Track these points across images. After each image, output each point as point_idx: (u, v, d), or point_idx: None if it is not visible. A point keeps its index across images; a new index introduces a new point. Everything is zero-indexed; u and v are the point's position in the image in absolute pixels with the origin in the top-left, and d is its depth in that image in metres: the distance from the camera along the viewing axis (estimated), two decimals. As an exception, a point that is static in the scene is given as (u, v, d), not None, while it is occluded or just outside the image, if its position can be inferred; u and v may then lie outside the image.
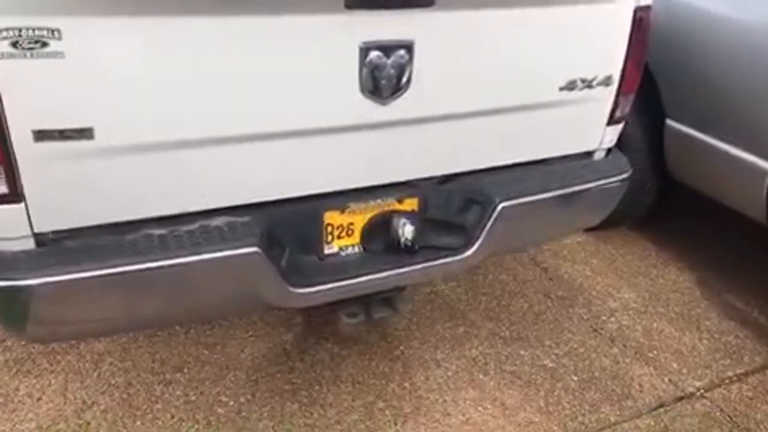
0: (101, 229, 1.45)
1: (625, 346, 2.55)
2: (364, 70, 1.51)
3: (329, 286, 1.68)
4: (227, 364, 2.29)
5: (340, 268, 1.74)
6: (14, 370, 2.19)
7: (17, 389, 2.12)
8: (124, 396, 2.12)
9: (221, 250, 1.48)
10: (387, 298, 1.93)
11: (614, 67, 1.90)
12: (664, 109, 2.79)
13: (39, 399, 2.09)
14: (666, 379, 2.39)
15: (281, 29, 1.41)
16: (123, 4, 1.24)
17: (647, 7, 1.89)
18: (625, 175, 2.09)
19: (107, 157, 1.36)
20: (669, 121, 2.78)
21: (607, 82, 1.90)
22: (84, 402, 2.09)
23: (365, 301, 1.90)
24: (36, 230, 1.38)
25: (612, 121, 2.02)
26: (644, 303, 2.83)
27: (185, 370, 2.25)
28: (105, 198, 1.42)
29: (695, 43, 2.61)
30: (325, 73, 1.50)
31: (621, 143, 2.59)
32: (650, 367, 2.44)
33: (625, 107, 2.04)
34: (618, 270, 3.07)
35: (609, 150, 2.13)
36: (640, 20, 1.88)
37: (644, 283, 2.98)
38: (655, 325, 2.69)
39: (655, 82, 2.78)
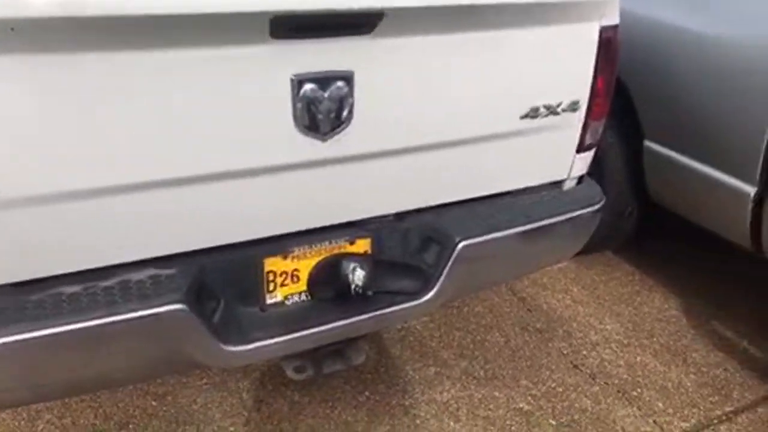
0: (3, 288, 1.29)
1: (607, 383, 2.40)
2: (299, 105, 1.36)
3: (270, 341, 1.51)
4: (177, 417, 2.12)
5: (285, 319, 1.57)
6: (-59, 431, 2.02)
7: (-58, 454, 1.95)
8: (60, 459, 1.95)
9: (139, 309, 1.32)
10: (339, 349, 1.77)
11: (581, 91, 1.76)
12: (642, 129, 2.66)
13: (-35, 465, 1.92)
14: (651, 421, 2.23)
15: (202, 63, 1.26)
16: (7, 40, 1.08)
17: (614, 27, 1.75)
18: (597, 205, 1.94)
19: (4, 211, 1.20)
20: (647, 142, 2.66)
21: (573, 107, 1.76)
22: (14, 467, 1.91)
23: (314, 355, 1.74)
24: (-77, 294, 1.22)
25: (582, 148, 1.87)
26: (627, 334, 2.68)
27: (130, 426, 2.08)
28: (4, 255, 1.26)
29: (672, 62, 2.49)
30: (255, 109, 1.35)
31: (598, 166, 2.46)
32: (633, 407, 2.28)
33: (596, 133, 1.90)
34: (600, 298, 2.92)
35: (581, 178, 1.99)
36: (607, 41, 1.74)
37: (627, 312, 2.83)
38: (638, 359, 2.54)
39: (632, 101, 2.66)
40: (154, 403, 2.17)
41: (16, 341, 1.23)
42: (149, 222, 1.36)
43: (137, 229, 1.36)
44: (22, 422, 2.06)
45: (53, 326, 1.26)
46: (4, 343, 1.23)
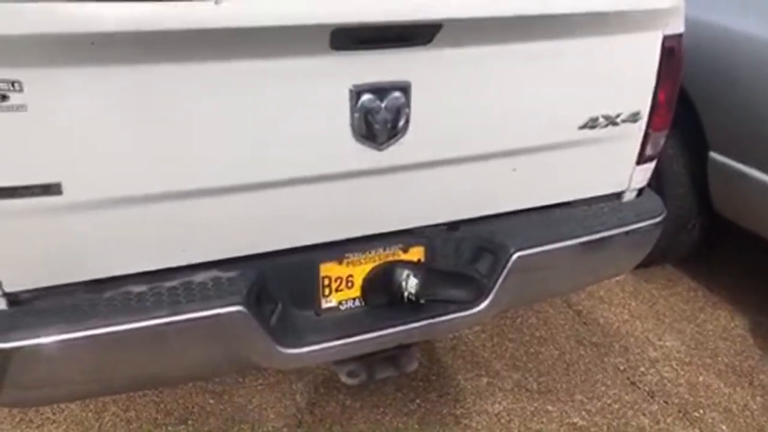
0: (77, 287, 1.37)
1: (666, 402, 2.32)
2: (356, 115, 1.39)
3: (325, 345, 1.54)
4: (233, 416, 2.18)
5: (339, 324, 1.61)
6: (17, 418, 2.14)
7: (17, 440, 2.07)
8: (123, 451, 2.04)
9: (201, 309, 1.37)
10: (391, 356, 1.78)
11: (641, 102, 1.73)
12: (707, 141, 2.57)
13: (38, 451, 2.03)
14: (713, 443, 2.15)
15: (266, 74, 1.31)
16: (88, 53, 1.16)
17: (678, 36, 1.71)
18: (658, 219, 1.89)
19: (78, 213, 1.28)
20: (712, 154, 2.56)
21: (634, 118, 1.73)
22: (82, 456, 2.02)
23: (367, 360, 1.76)
24: (6, 290, 1.31)
25: (642, 160, 1.83)
26: (689, 352, 2.59)
27: (189, 422, 2.15)
28: (78, 255, 1.34)
29: (739, 71, 2.40)
30: (314, 119, 1.39)
31: (660, 177, 2.40)
32: (695, 428, 2.20)
33: (657, 144, 1.86)
34: (660, 314, 2.83)
35: (641, 190, 1.94)
36: (670, 50, 1.70)
37: (689, 330, 2.73)
38: (701, 378, 2.45)
39: (697, 112, 2.57)
40: (212, 401, 2.24)
41: (89, 336, 1.31)
42: (213, 226, 1.42)
43: (202, 232, 1.42)
44: (89, 414, 2.16)
45: (122, 323, 1.33)
46: (79, 338, 1.30)
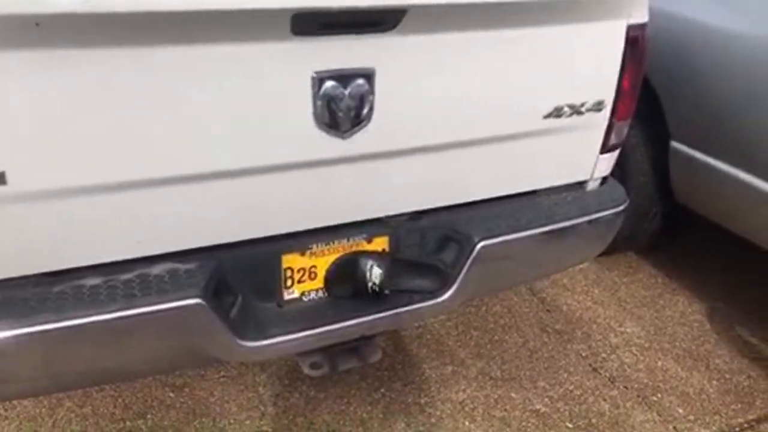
0: (25, 280, 1.30)
1: (626, 387, 2.36)
2: (319, 102, 1.35)
3: (287, 337, 1.51)
4: (194, 409, 2.14)
5: (301, 316, 1.58)
6: (-34, 416, 2.06)
7: (-34, 438, 1.99)
8: (79, 447, 1.98)
9: (157, 303, 1.33)
10: (354, 347, 1.76)
11: (606, 91, 1.73)
12: (669, 130, 2.61)
13: (-12, 449, 1.95)
14: (671, 427, 2.19)
15: (222, 59, 1.26)
16: (33, 35, 1.09)
17: (642, 26, 1.72)
18: (621, 207, 1.91)
19: (24, 203, 1.22)
20: (674, 143, 2.60)
21: (598, 107, 1.73)
22: (35, 454, 1.95)
23: (330, 352, 1.74)
24: (-51, 284, 1.24)
25: (606, 149, 1.84)
26: (649, 338, 2.64)
27: (148, 416, 2.10)
28: (26, 247, 1.27)
29: (701, 60, 2.44)
30: (275, 106, 1.34)
31: (623, 167, 2.42)
32: (653, 412, 2.25)
33: (621, 133, 1.87)
34: (621, 300, 2.88)
35: (604, 179, 1.95)
36: (635, 40, 1.71)
37: (649, 316, 2.78)
38: (660, 363, 2.50)
39: (659, 101, 2.60)
40: (171, 394, 2.19)
41: (39, 331, 1.25)
42: (169, 217, 1.37)
43: (157, 223, 1.37)
44: (43, 410, 2.09)
45: (74, 318, 1.27)
46: (27, 333, 1.25)
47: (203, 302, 1.36)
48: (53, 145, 1.19)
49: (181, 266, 1.41)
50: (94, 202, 1.28)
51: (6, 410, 2.08)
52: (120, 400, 2.15)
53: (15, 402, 2.10)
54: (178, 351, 1.48)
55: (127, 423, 2.06)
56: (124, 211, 1.32)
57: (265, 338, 1.49)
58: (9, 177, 1.17)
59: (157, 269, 1.40)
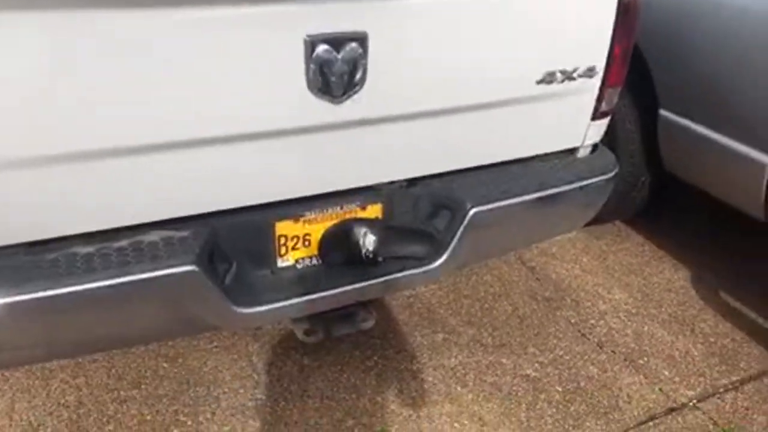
0: (17, 248, 1.30)
1: (614, 352, 2.41)
2: (312, 66, 1.34)
3: (281, 304, 1.52)
4: (188, 379, 2.15)
5: (295, 282, 1.58)
6: (-42, 388, 2.05)
7: (-41, 410, 1.98)
8: (74, 417, 1.97)
9: (151, 270, 1.33)
10: (348, 314, 1.78)
11: (598, 57, 1.73)
12: (658, 98, 2.61)
13: (-18, 421, 1.95)
14: (657, 389, 2.24)
15: (213, 22, 1.24)
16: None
17: (634, -9, 1.71)
18: (611, 174, 1.92)
19: (12, 170, 1.20)
20: (662, 111, 2.61)
21: (590, 73, 1.73)
22: (30, 424, 1.94)
23: (324, 318, 1.75)
24: (-61, 252, 1.23)
25: (597, 115, 1.85)
26: (636, 304, 2.68)
27: (142, 386, 2.11)
28: (17, 214, 1.26)
29: (690, 28, 2.43)
30: (268, 71, 1.33)
31: (613, 135, 2.43)
32: (640, 375, 2.30)
33: (612, 100, 1.87)
34: (609, 268, 2.91)
35: (595, 146, 1.96)
36: (627, 5, 1.70)
37: (637, 283, 2.82)
38: (646, 328, 2.54)
39: (648, 69, 2.60)
40: (165, 364, 2.20)
41: (31, 299, 1.25)
42: (161, 184, 1.36)
43: (150, 190, 1.36)
44: (36, 381, 2.09)
45: (67, 285, 1.27)
46: (20, 302, 1.24)
47: (198, 269, 1.36)
48: (42, 111, 1.17)
49: (175, 234, 1.41)
50: (85, 169, 1.27)
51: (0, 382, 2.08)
52: (113, 370, 2.15)
53: (8, 374, 2.10)
54: (172, 318, 1.49)
55: (122, 393, 2.07)
56: (116, 178, 1.31)
57: (260, 304, 1.50)
58: (-2, 143, 1.16)
59: (151, 237, 1.40)
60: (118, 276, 1.30)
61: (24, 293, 1.25)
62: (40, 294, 1.25)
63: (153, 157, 1.31)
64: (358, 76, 1.40)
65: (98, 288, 1.29)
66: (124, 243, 1.37)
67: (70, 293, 1.27)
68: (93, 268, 1.31)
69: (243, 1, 1.23)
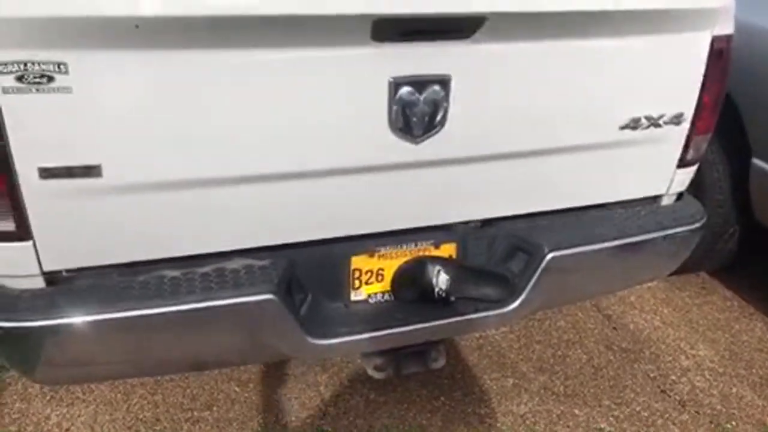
0: (112, 269, 1.39)
1: (698, 412, 2.26)
2: (394, 107, 1.38)
3: (352, 338, 1.54)
4: (257, 405, 2.20)
5: (367, 317, 1.60)
6: (48, 397, 2.18)
7: (48, 418, 2.10)
8: (150, 433, 2.06)
9: (233, 296, 1.38)
10: (419, 352, 1.77)
11: (686, 104, 1.68)
12: (751, 146, 2.50)
13: (67, 430, 2.06)
14: (745, 457, 2.09)
15: (304, 64, 1.30)
16: (131, 37, 1.17)
17: (727, 37, 1.66)
18: (698, 224, 1.84)
19: (117, 196, 1.29)
20: (756, 160, 2.49)
21: (677, 120, 1.68)
22: (110, 436, 2.05)
23: (395, 354, 1.75)
24: (45, 269, 1.33)
25: (683, 163, 1.79)
26: (723, 363, 2.52)
27: (214, 408, 2.17)
28: (115, 237, 1.35)
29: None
30: (352, 110, 1.38)
31: (701, 183, 2.34)
32: (726, 440, 2.15)
33: (700, 148, 1.81)
34: (693, 322, 2.76)
35: (680, 194, 1.90)
36: (719, 52, 1.65)
37: (723, 339, 2.66)
38: (734, 390, 2.38)
39: (741, 116, 2.50)
40: (237, 389, 2.26)
41: (122, 318, 1.33)
42: (248, 214, 1.43)
43: (236, 220, 1.43)
44: (118, 395, 2.20)
45: (155, 306, 1.34)
46: (112, 319, 1.32)
47: (276, 298, 1.41)
48: (145, 142, 1.26)
49: (256, 262, 1.46)
50: (178, 197, 1.35)
51: (84, 393, 2.20)
52: (188, 391, 2.23)
53: (93, 386, 2.22)
54: (248, 344, 1.53)
55: (195, 413, 2.14)
56: (205, 207, 1.38)
57: (333, 337, 1.52)
58: (105, 170, 1.25)
59: (233, 264, 1.45)
60: (202, 300, 1.36)
61: (117, 311, 1.33)
62: (132, 313, 1.33)
63: (243, 189, 1.38)
64: (438, 117, 1.42)
65: (183, 311, 1.35)
66: (208, 269, 1.44)
67: (158, 314, 1.34)
68: (179, 291, 1.38)
69: (334, 43, 1.29)
